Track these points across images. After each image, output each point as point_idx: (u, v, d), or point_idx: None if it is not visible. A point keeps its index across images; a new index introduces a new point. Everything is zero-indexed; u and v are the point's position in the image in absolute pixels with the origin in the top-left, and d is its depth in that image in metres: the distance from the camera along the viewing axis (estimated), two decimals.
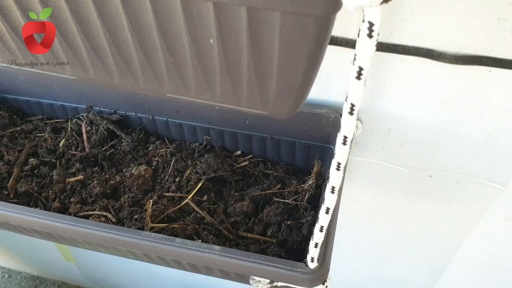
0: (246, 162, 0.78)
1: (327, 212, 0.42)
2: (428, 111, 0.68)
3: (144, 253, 0.64)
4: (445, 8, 0.55)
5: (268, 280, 0.57)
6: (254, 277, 0.58)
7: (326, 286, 0.55)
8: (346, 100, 0.33)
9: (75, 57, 0.36)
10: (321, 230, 0.44)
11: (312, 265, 0.53)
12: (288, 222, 0.67)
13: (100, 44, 0.34)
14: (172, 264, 0.67)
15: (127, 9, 0.30)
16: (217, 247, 0.56)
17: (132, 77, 0.36)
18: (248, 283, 0.69)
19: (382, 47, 0.62)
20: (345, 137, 0.36)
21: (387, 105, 0.69)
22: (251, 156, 0.79)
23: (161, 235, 0.58)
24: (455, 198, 0.80)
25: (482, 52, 0.58)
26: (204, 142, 0.80)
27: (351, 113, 0.33)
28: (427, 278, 1.02)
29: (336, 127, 0.70)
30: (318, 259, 0.53)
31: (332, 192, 0.40)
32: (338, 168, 0.38)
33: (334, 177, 0.39)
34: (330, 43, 0.63)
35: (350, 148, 0.71)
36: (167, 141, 0.82)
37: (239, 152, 0.80)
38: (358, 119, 0.72)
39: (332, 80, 0.68)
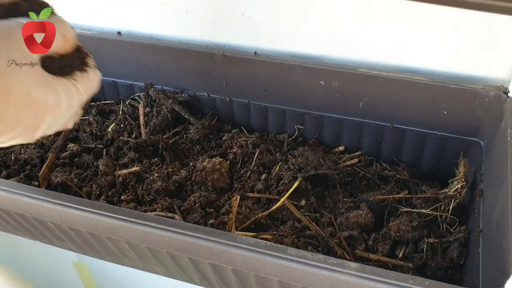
0: (355, 160, 0.58)
1: None
2: None
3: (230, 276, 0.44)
4: None
5: None
6: None
7: None
8: None
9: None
10: None
11: None
12: (430, 240, 0.47)
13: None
14: None
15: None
16: (353, 264, 0.36)
17: None
18: None
19: None
20: None
21: None
22: (359, 153, 0.59)
23: (264, 241, 0.38)
24: None
25: None
26: (296, 133, 0.61)
27: None
28: None
29: (494, 111, 0.50)
30: None
31: None
32: None
33: None
34: None
35: None
36: (245, 131, 0.63)
37: (342, 148, 0.60)
38: None
39: (500, 46, 0.49)
